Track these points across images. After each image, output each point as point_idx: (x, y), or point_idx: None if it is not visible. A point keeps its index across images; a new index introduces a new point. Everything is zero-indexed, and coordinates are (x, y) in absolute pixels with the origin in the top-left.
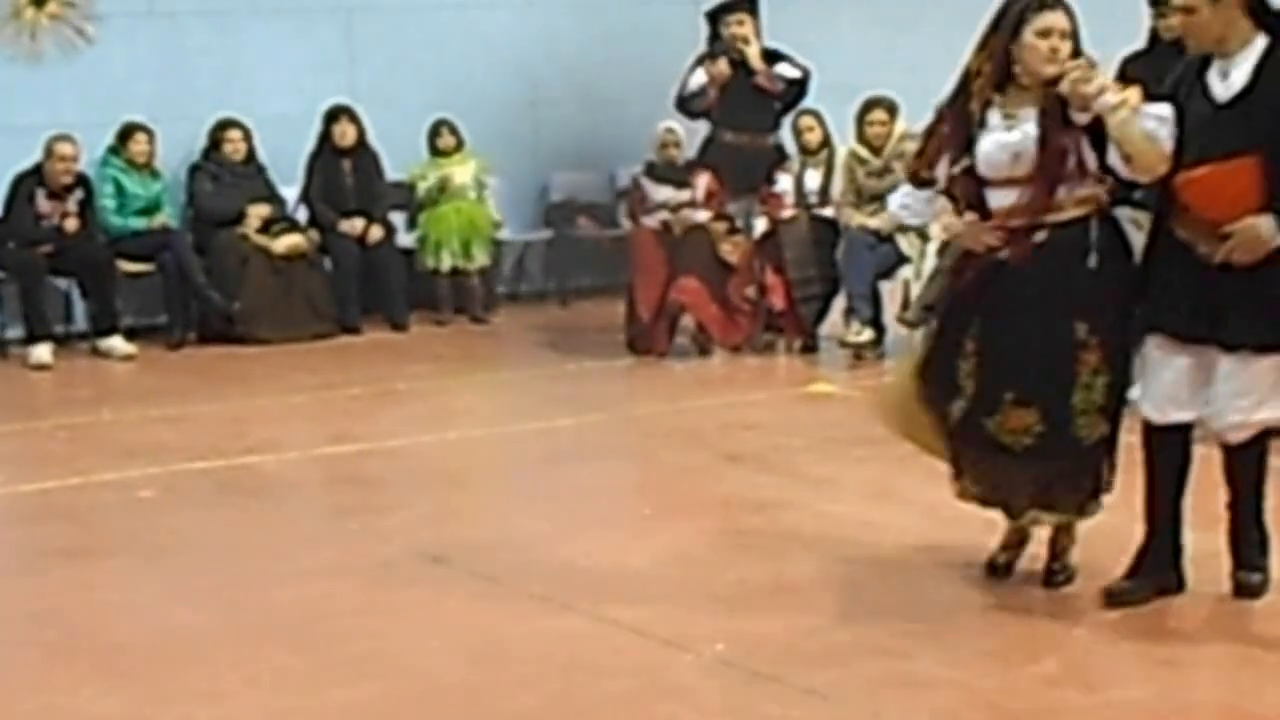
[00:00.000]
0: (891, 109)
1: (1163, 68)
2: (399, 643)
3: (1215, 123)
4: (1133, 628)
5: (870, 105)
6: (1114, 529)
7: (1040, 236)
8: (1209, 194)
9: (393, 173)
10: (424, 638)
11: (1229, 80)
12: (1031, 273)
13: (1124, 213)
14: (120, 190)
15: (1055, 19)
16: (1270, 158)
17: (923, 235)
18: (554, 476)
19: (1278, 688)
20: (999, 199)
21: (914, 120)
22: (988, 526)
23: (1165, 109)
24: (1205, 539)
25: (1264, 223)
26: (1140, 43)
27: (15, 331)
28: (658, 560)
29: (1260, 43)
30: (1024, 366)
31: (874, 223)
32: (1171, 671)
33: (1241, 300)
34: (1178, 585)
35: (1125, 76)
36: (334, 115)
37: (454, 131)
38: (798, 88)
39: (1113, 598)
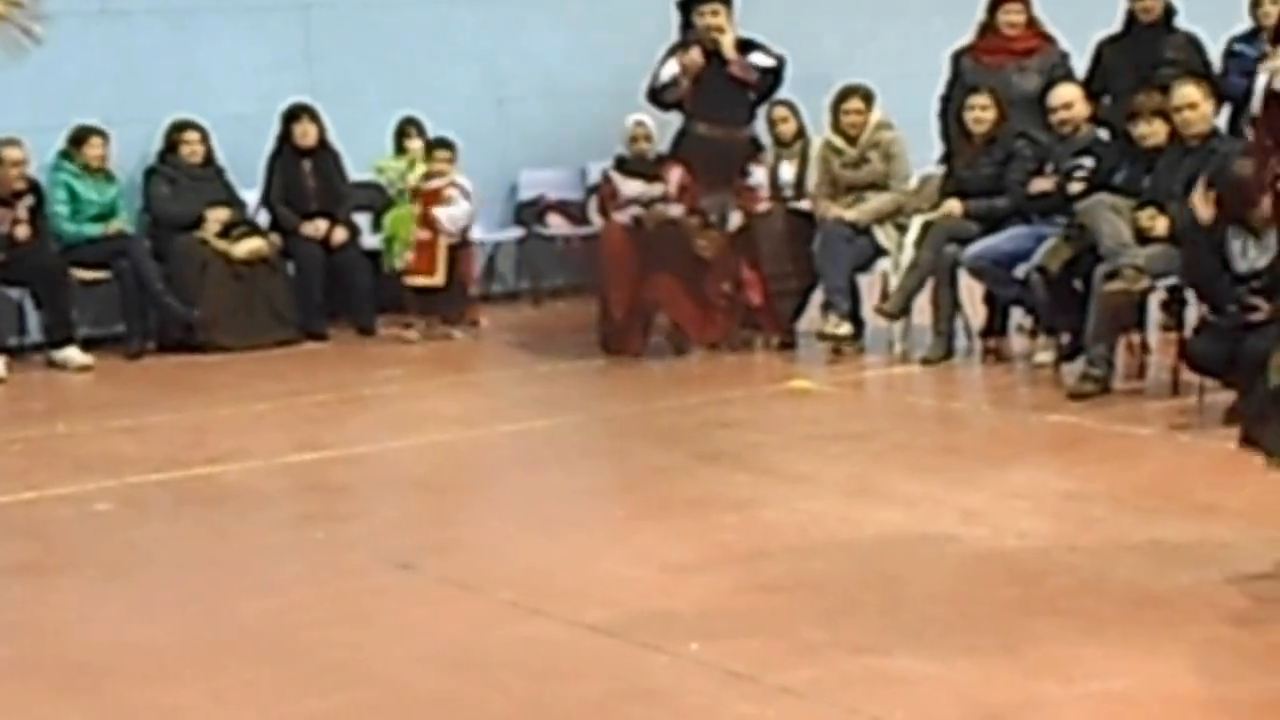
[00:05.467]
0: (867, 97)
1: (1140, 50)
2: (367, 652)
3: None
4: (1112, 618)
5: (845, 94)
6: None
7: None
8: None
9: (356, 173)
10: (393, 646)
11: None
12: None
13: (1103, 198)
14: (73, 196)
15: None
16: None
17: (900, 227)
18: (526, 479)
19: (1259, 675)
20: None
21: (889, 109)
22: (967, 520)
23: None
24: (1186, 528)
25: None
26: (1117, 25)
27: None
28: (632, 562)
29: None
30: None
31: (850, 215)
32: (1152, 661)
33: None
34: None
35: (1101, 59)
36: (294, 115)
37: (421, 130)
38: (773, 76)
39: None
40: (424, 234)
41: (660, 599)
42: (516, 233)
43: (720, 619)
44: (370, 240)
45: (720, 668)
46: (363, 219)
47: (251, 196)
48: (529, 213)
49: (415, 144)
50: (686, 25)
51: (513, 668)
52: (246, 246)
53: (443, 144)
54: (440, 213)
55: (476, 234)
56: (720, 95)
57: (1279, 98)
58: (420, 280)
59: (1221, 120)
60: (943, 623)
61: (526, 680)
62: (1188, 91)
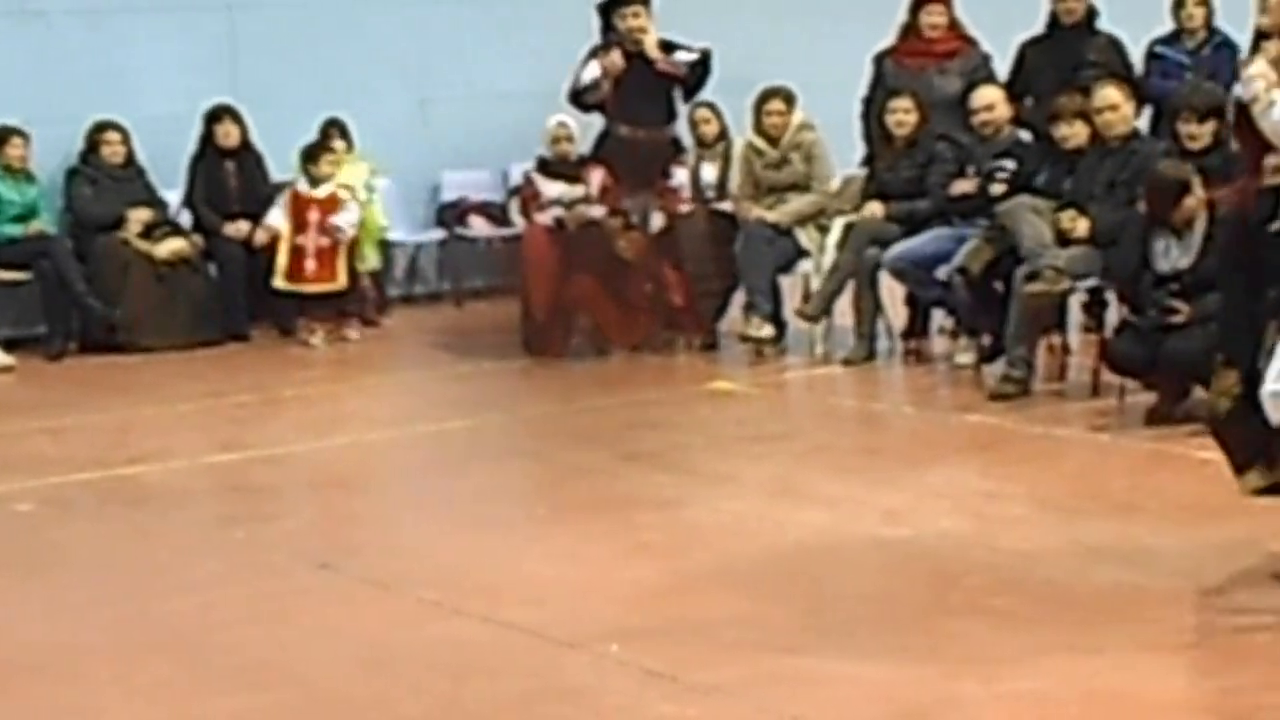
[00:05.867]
0: (789, 99)
1: (1062, 52)
2: (286, 652)
3: None
4: (1032, 617)
5: (767, 95)
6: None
7: None
8: None
9: (278, 174)
10: (312, 646)
11: None
12: None
13: (1024, 200)
14: None
15: None
16: None
17: (822, 228)
18: (447, 480)
19: (1177, 675)
20: None
21: (811, 110)
22: (888, 520)
23: None
24: (1105, 528)
25: None
26: (1039, 27)
27: None
28: (552, 562)
29: None
30: None
31: (772, 216)
32: (1071, 660)
33: None
34: None
35: (1023, 61)
36: (216, 115)
37: (344, 132)
38: (702, 67)
39: None
40: (324, 240)
41: (581, 599)
42: (438, 234)
43: (641, 618)
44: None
45: (640, 667)
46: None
47: (173, 197)
48: (451, 214)
49: (339, 145)
50: (607, 28)
51: (432, 667)
52: (168, 247)
53: (327, 149)
54: (339, 219)
55: (398, 236)
56: (642, 97)
57: (1246, 109)
58: (323, 286)
59: (1143, 122)
60: (863, 622)
61: (446, 679)
62: (1109, 93)
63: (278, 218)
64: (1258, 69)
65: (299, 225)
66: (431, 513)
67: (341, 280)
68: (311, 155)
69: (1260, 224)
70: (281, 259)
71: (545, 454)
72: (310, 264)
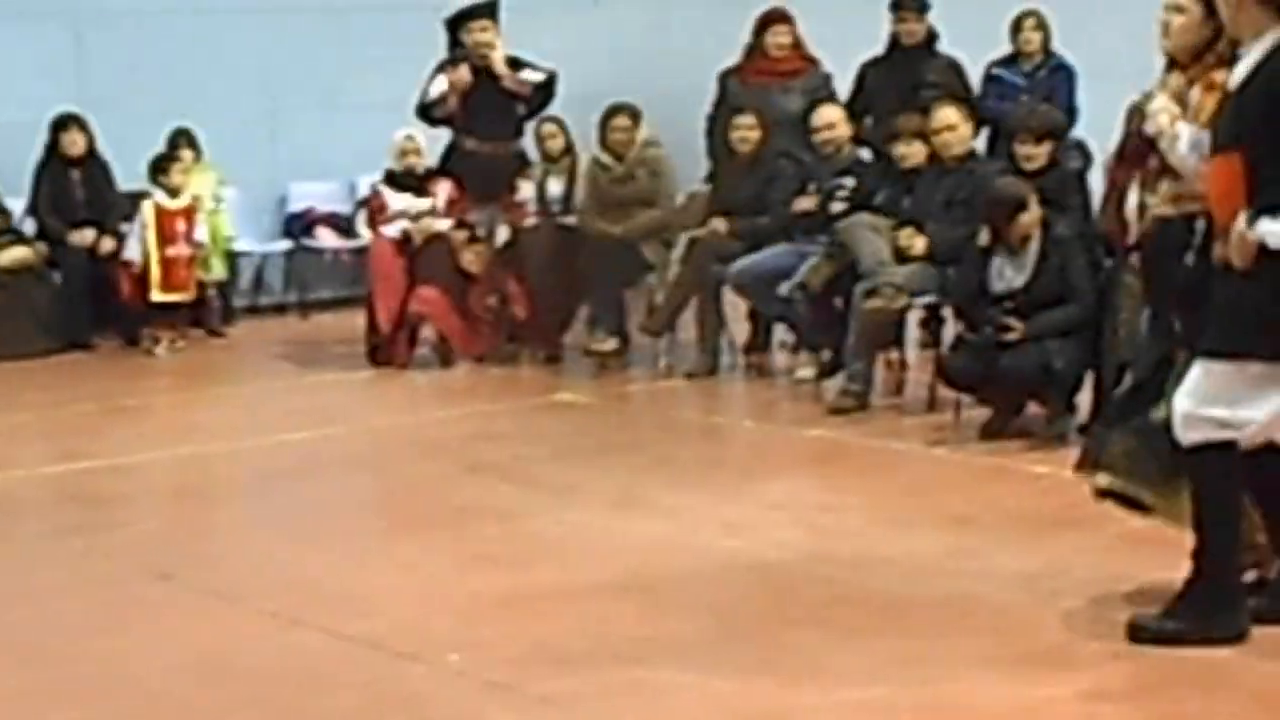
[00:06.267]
0: (635, 115)
1: (902, 72)
2: (125, 662)
3: (1226, 115)
4: (869, 628)
5: (613, 112)
6: None
7: None
8: (1211, 190)
9: (125, 183)
10: (150, 656)
11: (1236, 71)
12: None
13: (863, 217)
14: None
15: None
16: (1250, 154)
17: (666, 243)
18: (289, 491)
19: (1008, 685)
20: None
21: (656, 127)
22: (727, 531)
23: (1196, 134)
24: (940, 539)
25: (1240, 223)
26: (880, 48)
27: None
28: (393, 572)
29: (1272, 36)
30: None
31: (617, 230)
32: (907, 670)
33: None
34: None
35: (864, 81)
36: (62, 124)
37: (192, 142)
38: (546, 89)
39: None
40: (173, 250)
41: (422, 609)
42: (285, 245)
43: (481, 629)
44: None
45: (480, 678)
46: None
47: (17, 205)
48: (298, 225)
49: (187, 155)
50: (455, 42)
51: (272, 678)
52: (12, 255)
53: (175, 159)
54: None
55: (245, 246)
56: (489, 111)
57: (1151, 143)
58: (175, 296)
59: (980, 142)
60: (702, 633)
61: (286, 690)
62: (947, 114)
63: (135, 250)
64: (1159, 104)
65: (168, 237)
66: (273, 524)
67: (191, 291)
68: (160, 166)
69: (1174, 254)
70: (155, 272)
71: (388, 465)
72: (183, 274)
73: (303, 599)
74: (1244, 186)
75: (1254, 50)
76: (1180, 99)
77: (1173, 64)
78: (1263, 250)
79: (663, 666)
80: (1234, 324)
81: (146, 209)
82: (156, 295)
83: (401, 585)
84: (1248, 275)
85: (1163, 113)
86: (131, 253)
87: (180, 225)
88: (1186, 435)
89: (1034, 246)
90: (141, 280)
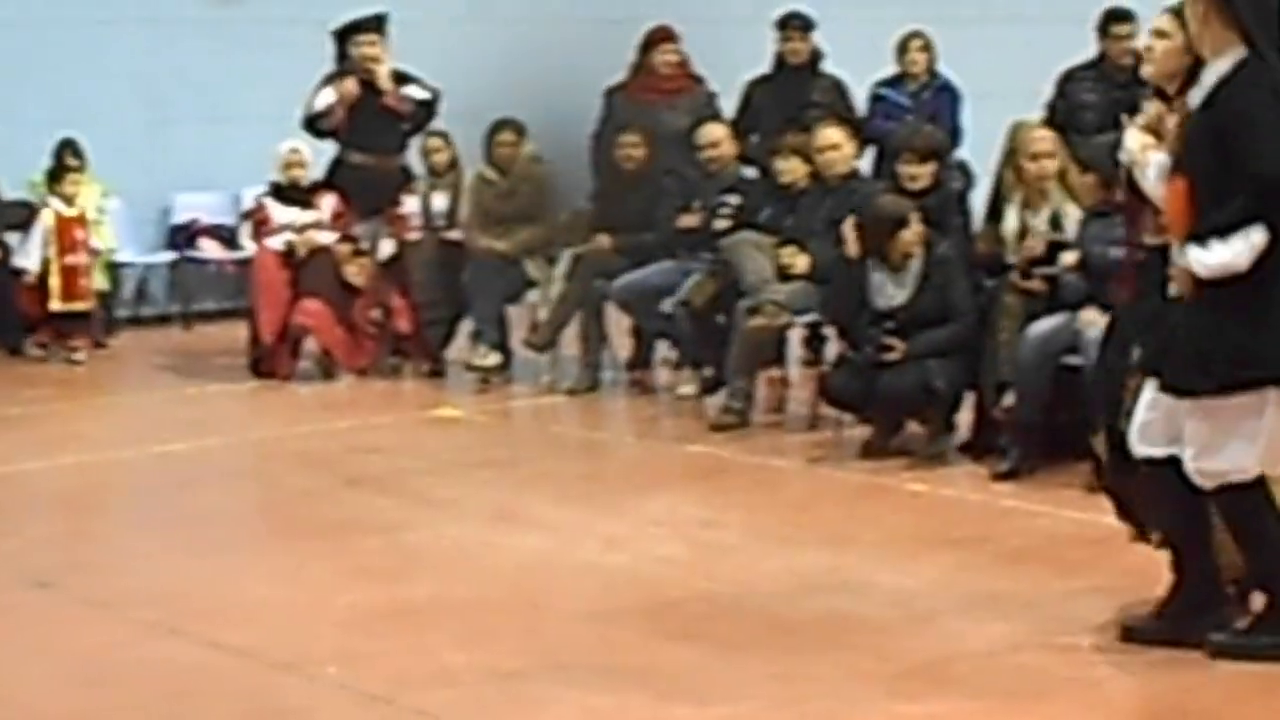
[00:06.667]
0: (520, 131)
1: (787, 91)
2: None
3: (1181, 138)
4: (746, 644)
5: (498, 127)
6: None
7: None
8: (1166, 216)
9: (10, 191)
10: (26, 664)
11: (1194, 93)
12: None
13: (747, 235)
14: None
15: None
16: (1193, 180)
17: (550, 259)
18: (170, 501)
19: (884, 701)
20: None
21: (541, 143)
22: (608, 546)
23: (1165, 163)
24: (819, 556)
25: (1187, 251)
26: (766, 67)
27: None
28: (272, 584)
29: (1231, 57)
30: None
31: (501, 246)
32: (782, 685)
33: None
34: None
35: (750, 99)
36: None
37: (77, 153)
38: (427, 109)
39: None
40: (72, 259)
41: (300, 620)
42: (168, 256)
43: (359, 641)
44: (21, 259)
45: (357, 690)
46: (14, 238)
47: None
48: (181, 236)
49: (74, 163)
50: (342, 55)
51: (148, 687)
52: None
53: (68, 168)
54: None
55: (128, 257)
56: (374, 125)
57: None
58: (76, 305)
59: (866, 162)
60: (581, 647)
61: (162, 700)
62: (830, 133)
63: (30, 258)
64: (1131, 138)
65: (67, 246)
66: (153, 533)
67: (90, 301)
68: (55, 176)
69: (1156, 286)
70: (55, 281)
71: (269, 476)
72: (82, 282)
73: (181, 608)
74: (1190, 212)
75: (1212, 70)
76: (1154, 129)
77: (1158, 91)
78: (1203, 279)
79: (540, 680)
80: (1177, 358)
81: (47, 217)
82: (57, 305)
83: (281, 596)
84: (1191, 305)
85: (1133, 143)
86: (25, 261)
87: (79, 233)
88: (1138, 447)
89: (916, 265)
90: (39, 289)
